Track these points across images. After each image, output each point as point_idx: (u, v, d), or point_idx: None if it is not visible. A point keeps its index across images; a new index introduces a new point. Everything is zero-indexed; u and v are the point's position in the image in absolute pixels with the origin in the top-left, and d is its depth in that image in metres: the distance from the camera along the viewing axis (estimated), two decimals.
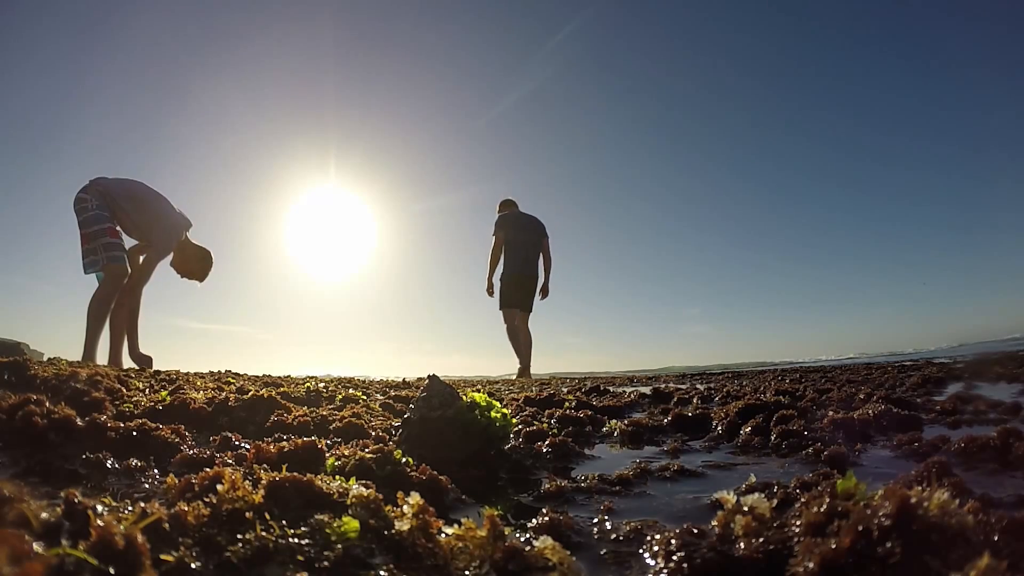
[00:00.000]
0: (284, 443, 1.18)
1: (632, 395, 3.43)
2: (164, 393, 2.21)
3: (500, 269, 8.44)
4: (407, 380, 6.55)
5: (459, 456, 1.45)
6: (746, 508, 0.66)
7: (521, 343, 8.37)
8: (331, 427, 1.84)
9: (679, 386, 4.58)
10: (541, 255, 8.45)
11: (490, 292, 8.40)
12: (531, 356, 8.38)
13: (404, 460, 1.16)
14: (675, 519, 1.03)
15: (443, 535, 0.69)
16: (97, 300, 5.19)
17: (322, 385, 3.43)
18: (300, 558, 0.63)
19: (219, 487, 0.69)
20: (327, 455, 1.18)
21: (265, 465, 1.04)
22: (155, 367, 5.33)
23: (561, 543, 0.67)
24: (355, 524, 0.69)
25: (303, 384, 3.39)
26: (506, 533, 0.68)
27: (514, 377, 8.51)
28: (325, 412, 2.13)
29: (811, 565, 0.54)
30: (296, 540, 0.65)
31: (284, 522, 0.68)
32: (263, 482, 0.75)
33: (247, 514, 0.67)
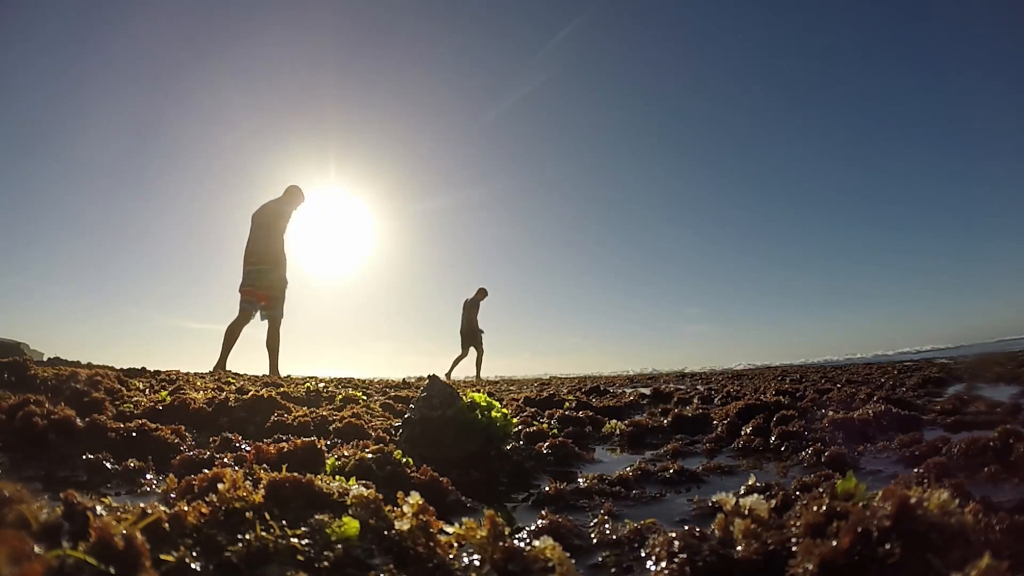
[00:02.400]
0: (284, 443, 1.18)
1: (632, 396, 3.44)
2: (164, 393, 2.21)
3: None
4: (407, 380, 6.57)
5: (460, 456, 1.45)
6: (746, 510, 0.66)
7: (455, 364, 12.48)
8: (331, 427, 1.84)
9: (679, 386, 4.58)
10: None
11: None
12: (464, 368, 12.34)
13: (404, 460, 1.16)
14: (675, 521, 1.03)
15: (443, 535, 0.69)
16: (273, 337, 6.97)
17: (322, 385, 3.44)
18: (300, 558, 0.63)
19: (219, 487, 0.69)
20: (327, 455, 1.18)
21: (265, 465, 1.04)
22: (155, 367, 5.38)
23: (561, 545, 0.67)
24: (355, 524, 0.69)
25: (303, 384, 3.40)
26: (506, 534, 0.68)
27: (515, 377, 9.12)
28: (325, 412, 2.13)
29: (810, 566, 0.54)
30: (296, 540, 0.65)
31: (284, 522, 0.68)
32: (263, 482, 0.75)
33: (247, 514, 0.67)
